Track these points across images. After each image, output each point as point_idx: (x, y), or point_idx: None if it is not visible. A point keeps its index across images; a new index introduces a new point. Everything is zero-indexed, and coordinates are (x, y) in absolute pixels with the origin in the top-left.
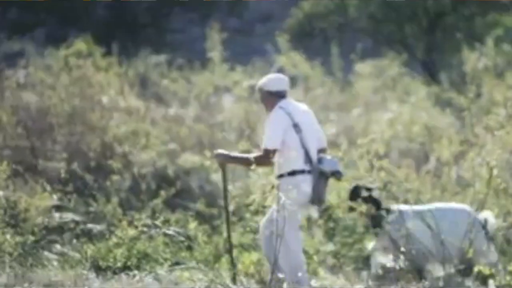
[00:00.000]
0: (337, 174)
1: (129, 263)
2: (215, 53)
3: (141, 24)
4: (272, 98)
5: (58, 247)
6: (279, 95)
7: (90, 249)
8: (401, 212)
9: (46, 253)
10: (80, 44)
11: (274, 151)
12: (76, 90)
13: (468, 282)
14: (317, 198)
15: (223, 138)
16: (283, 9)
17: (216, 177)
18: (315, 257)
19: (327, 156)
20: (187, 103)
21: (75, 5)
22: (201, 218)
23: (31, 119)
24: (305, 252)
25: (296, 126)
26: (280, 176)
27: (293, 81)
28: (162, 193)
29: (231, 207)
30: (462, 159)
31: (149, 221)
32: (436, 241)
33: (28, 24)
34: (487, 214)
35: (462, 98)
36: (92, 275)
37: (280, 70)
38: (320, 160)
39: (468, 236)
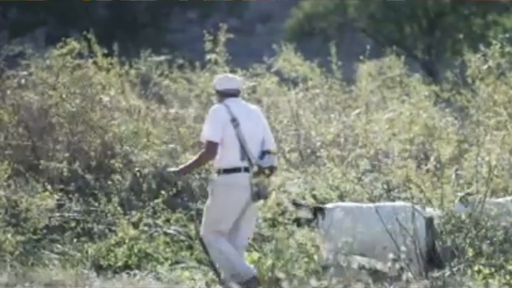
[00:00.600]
0: (272, 169)
1: (129, 263)
2: (214, 56)
3: (141, 24)
4: (220, 96)
5: (59, 246)
6: (227, 94)
7: (91, 249)
8: (329, 210)
9: (47, 252)
10: (73, 44)
11: (216, 144)
12: (77, 90)
13: (469, 282)
14: (256, 194)
15: None
16: (283, 9)
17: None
18: (315, 257)
19: (268, 153)
20: (188, 103)
21: (75, 5)
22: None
23: (32, 119)
24: (305, 252)
25: (234, 120)
26: (218, 172)
27: (293, 82)
28: (163, 192)
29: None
30: (462, 159)
31: (150, 221)
32: (366, 237)
33: (29, 24)
34: (432, 212)
35: (462, 98)
36: (93, 274)
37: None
38: (261, 157)
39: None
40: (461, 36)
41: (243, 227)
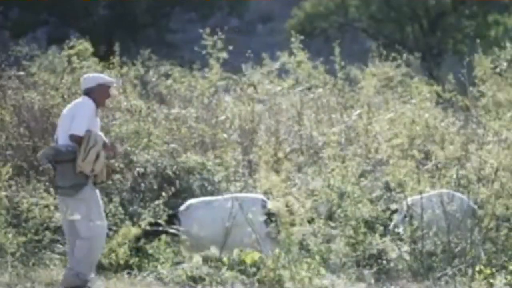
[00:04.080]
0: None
1: (131, 262)
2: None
3: (142, 24)
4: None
5: (60, 246)
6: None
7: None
8: (190, 205)
9: (48, 252)
10: (83, 45)
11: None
12: (78, 90)
13: (469, 281)
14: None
15: (225, 138)
16: (284, 9)
17: (218, 177)
18: (317, 257)
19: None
20: (189, 103)
21: (76, 5)
22: None
23: (34, 119)
24: (307, 251)
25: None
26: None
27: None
28: (164, 192)
29: None
30: (465, 160)
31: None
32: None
33: (30, 24)
34: (274, 203)
35: (464, 99)
36: (94, 274)
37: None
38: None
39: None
40: (461, 36)
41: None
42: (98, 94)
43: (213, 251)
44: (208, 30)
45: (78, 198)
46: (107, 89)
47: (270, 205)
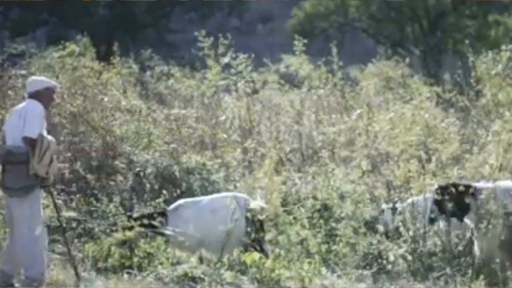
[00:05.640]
0: None
1: (130, 263)
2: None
3: (142, 24)
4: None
5: (59, 246)
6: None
7: (91, 249)
8: (179, 205)
9: (48, 252)
10: (73, 47)
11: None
12: (78, 90)
13: (469, 281)
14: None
15: (225, 138)
16: (284, 9)
17: (218, 177)
18: (317, 257)
19: None
20: (189, 103)
21: (76, 5)
22: None
23: None
24: (307, 252)
25: None
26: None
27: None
28: (164, 192)
29: None
30: (464, 159)
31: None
32: (207, 228)
33: (30, 24)
34: (256, 203)
35: (465, 99)
36: (93, 274)
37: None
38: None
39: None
40: (461, 36)
41: None
42: (45, 97)
43: (204, 252)
44: (203, 32)
45: (24, 199)
46: (52, 93)
47: (253, 204)
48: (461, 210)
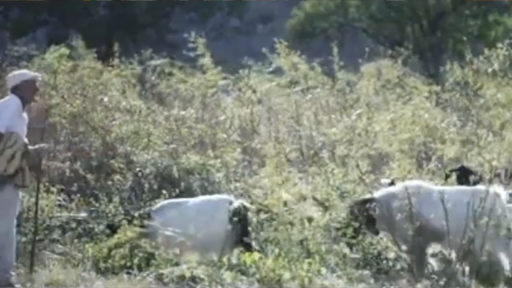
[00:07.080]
0: None
1: (130, 263)
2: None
3: (142, 24)
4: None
5: (60, 246)
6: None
7: (91, 249)
8: (162, 206)
9: (48, 252)
10: (63, 50)
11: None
12: (78, 90)
13: (470, 282)
14: None
15: (225, 138)
16: (284, 9)
17: (218, 177)
18: (317, 257)
19: None
20: (189, 103)
21: (76, 5)
22: None
23: (34, 119)
24: (308, 252)
25: None
26: None
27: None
28: (164, 192)
29: None
30: (464, 159)
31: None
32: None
33: (30, 24)
34: (241, 202)
35: (464, 99)
36: (93, 274)
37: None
38: None
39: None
40: (461, 36)
41: None
42: (25, 90)
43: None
44: (193, 33)
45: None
46: (33, 84)
47: (236, 204)
48: (370, 223)
